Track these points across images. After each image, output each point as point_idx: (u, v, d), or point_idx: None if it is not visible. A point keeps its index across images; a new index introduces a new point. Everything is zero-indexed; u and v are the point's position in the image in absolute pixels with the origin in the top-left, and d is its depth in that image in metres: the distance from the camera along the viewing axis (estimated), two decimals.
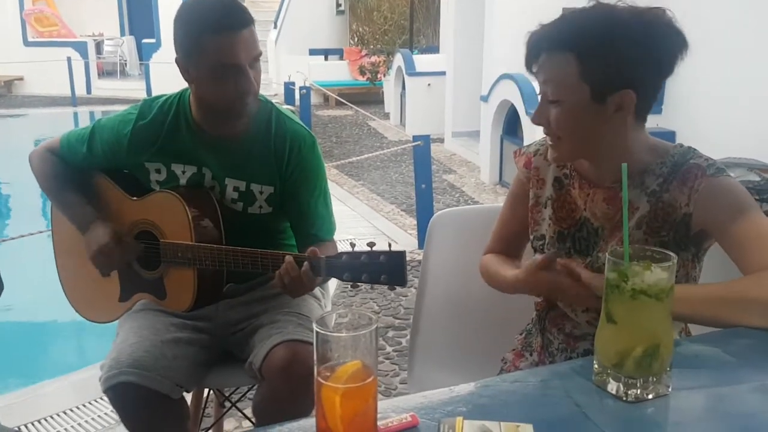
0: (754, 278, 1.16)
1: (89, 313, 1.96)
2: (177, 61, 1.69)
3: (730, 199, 1.24)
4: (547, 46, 1.27)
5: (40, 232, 3.90)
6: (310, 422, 0.84)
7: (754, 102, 4.66)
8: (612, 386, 0.96)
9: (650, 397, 0.95)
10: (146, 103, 1.82)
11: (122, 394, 1.61)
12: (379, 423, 0.83)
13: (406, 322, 3.50)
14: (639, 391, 0.94)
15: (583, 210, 1.39)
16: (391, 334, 3.49)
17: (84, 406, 2.76)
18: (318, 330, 0.74)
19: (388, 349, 3.33)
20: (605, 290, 0.97)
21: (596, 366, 0.99)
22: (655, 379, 0.95)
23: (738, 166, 4.56)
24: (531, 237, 1.49)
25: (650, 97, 1.28)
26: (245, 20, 1.61)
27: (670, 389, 0.96)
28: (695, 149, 1.33)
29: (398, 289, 4.32)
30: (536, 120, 1.32)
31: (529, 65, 1.32)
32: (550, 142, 1.35)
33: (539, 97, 1.32)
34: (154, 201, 1.78)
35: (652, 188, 1.30)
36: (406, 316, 3.60)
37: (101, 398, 2.76)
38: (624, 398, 0.95)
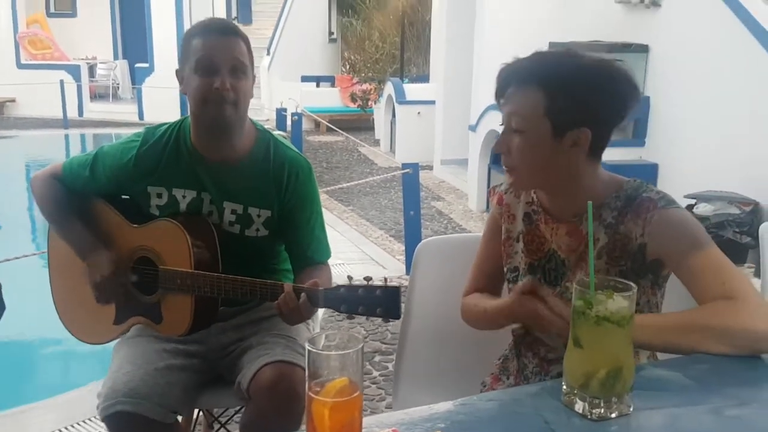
0: (710, 308, 1.25)
1: (82, 335, 2.00)
2: (176, 72, 1.81)
3: (682, 232, 1.34)
4: (517, 79, 1.39)
5: (33, 254, 3.96)
6: None
7: (734, 137, 4.78)
8: (579, 405, 1.05)
9: (613, 415, 1.03)
10: (149, 131, 1.89)
11: (119, 422, 1.67)
12: None
13: (393, 347, 3.56)
14: (603, 410, 1.03)
15: (551, 243, 1.48)
16: (377, 358, 3.54)
17: (72, 426, 2.80)
18: (310, 349, 0.82)
19: (375, 373, 3.38)
20: (572, 317, 1.06)
21: (565, 387, 1.08)
22: (617, 399, 1.03)
23: (719, 199, 4.67)
24: (505, 269, 1.58)
25: (604, 138, 1.40)
26: (235, 31, 1.77)
27: (631, 409, 1.05)
28: (647, 183, 1.43)
29: None
30: (497, 148, 1.43)
31: (498, 96, 1.43)
32: (506, 170, 1.45)
33: (502, 127, 1.43)
34: (155, 228, 1.83)
35: (608, 221, 1.39)
36: (392, 341, 3.66)
37: (89, 419, 2.80)
38: (589, 416, 1.03)
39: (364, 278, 1.54)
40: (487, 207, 6.64)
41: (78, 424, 2.81)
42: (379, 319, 3.98)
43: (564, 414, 1.04)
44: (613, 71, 1.37)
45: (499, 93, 1.43)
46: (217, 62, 1.71)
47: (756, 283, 2.03)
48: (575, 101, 1.34)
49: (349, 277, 1.56)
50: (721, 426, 1.03)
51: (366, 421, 0.94)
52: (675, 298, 1.44)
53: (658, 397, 1.09)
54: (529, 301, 1.37)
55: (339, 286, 1.57)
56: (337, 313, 1.55)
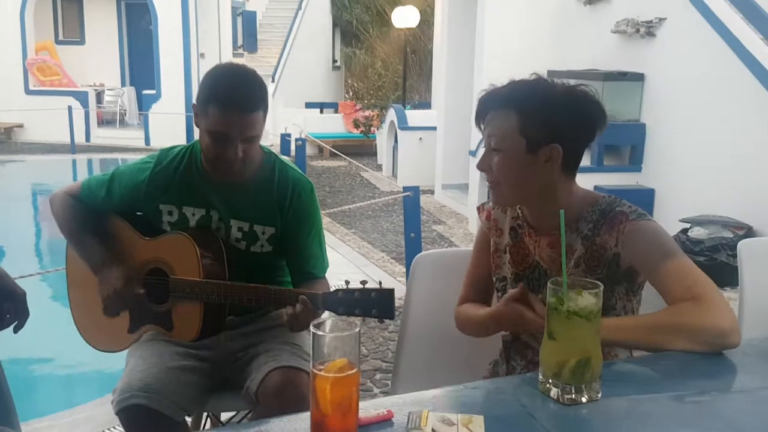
0: (677, 308, 1.38)
1: (98, 343, 2.11)
2: (194, 105, 1.90)
3: (652, 242, 1.47)
4: (494, 104, 1.55)
5: (47, 271, 4.08)
6: (305, 414, 1.05)
7: (728, 164, 4.90)
8: (553, 392, 1.17)
9: (584, 400, 1.16)
10: (163, 152, 2.02)
11: (134, 415, 1.77)
12: (360, 415, 1.03)
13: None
14: (574, 396, 1.15)
15: (534, 255, 1.62)
16: (378, 376, 3.63)
17: None
18: (314, 332, 0.95)
19: (375, 390, 3.46)
20: (547, 312, 1.19)
21: (540, 376, 1.21)
22: (587, 386, 1.16)
23: (713, 223, 4.79)
24: (494, 278, 1.72)
25: (576, 155, 1.55)
26: (252, 106, 1.80)
27: (600, 395, 1.17)
28: (621, 199, 1.57)
29: (386, 333, 4.47)
30: (480, 166, 1.58)
31: (477, 121, 1.58)
32: (490, 187, 1.59)
33: (483, 149, 1.58)
34: (166, 241, 1.95)
35: (585, 232, 1.53)
36: (392, 360, 3.75)
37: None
38: (562, 401, 1.16)
39: (360, 282, 1.66)
40: None
41: None
42: (381, 338, 4.10)
43: (540, 399, 1.17)
44: (580, 95, 1.52)
45: (479, 117, 1.59)
46: (233, 136, 1.80)
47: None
48: (546, 121, 1.49)
49: (347, 282, 1.67)
50: (681, 410, 1.15)
51: (362, 404, 1.06)
52: (650, 307, 1.56)
53: (625, 387, 1.22)
54: (518, 306, 1.49)
55: (337, 290, 1.69)
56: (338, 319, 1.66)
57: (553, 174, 1.53)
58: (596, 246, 1.51)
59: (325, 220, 6.94)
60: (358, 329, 0.96)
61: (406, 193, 4.76)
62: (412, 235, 4.74)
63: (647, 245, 1.46)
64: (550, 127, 1.49)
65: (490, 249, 1.72)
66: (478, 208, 1.80)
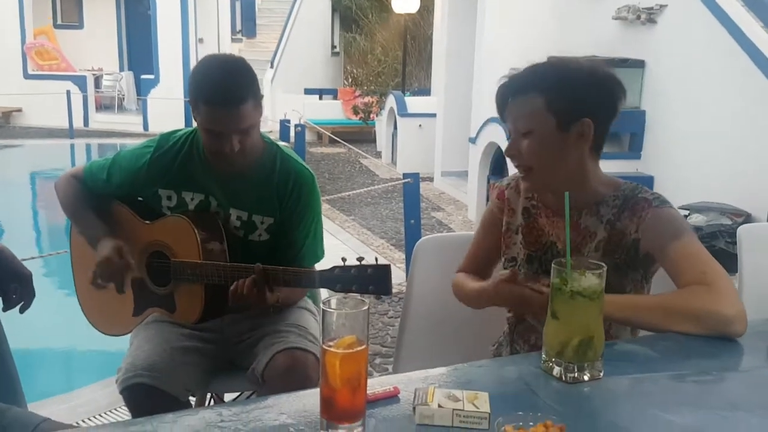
0: (686, 291, 1.39)
1: (104, 326, 2.13)
2: (188, 101, 1.91)
3: (669, 226, 1.48)
4: (515, 91, 1.53)
5: (49, 254, 4.10)
6: (314, 390, 1.07)
7: (727, 151, 4.91)
8: (556, 371, 1.20)
9: (586, 378, 1.18)
10: (163, 137, 2.02)
11: (137, 394, 1.79)
12: (368, 392, 1.05)
13: (393, 350, 3.68)
14: (577, 374, 1.18)
15: (550, 236, 1.62)
16: (378, 361, 3.67)
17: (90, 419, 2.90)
18: (324, 309, 0.97)
19: (376, 375, 3.49)
20: (551, 293, 1.20)
21: (543, 355, 1.23)
22: (589, 365, 1.18)
23: (711, 210, 4.81)
24: (503, 258, 1.72)
25: (603, 132, 1.53)
26: (239, 99, 1.77)
27: (602, 374, 1.20)
28: (642, 186, 1.57)
29: (386, 318, 4.48)
30: (509, 152, 1.55)
31: (500, 112, 1.57)
32: (521, 174, 1.58)
33: (511, 135, 1.56)
34: (166, 224, 1.97)
35: (607, 217, 1.53)
36: (392, 345, 3.77)
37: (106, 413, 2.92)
38: (564, 380, 1.18)
39: (357, 259, 1.65)
40: None
41: (98, 416, 2.92)
42: (380, 323, 4.12)
43: (543, 378, 1.19)
44: (599, 70, 1.52)
45: (501, 107, 1.56)
46: (225, 131, 1.79)
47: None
48: (573, 96, 1.48)
49: (343, 259, 1.66)
50: (681, 389, 1.17)
51: (370, 382, 1.08)
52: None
53: (627, 366, 1.24)
54: (510, 287, 1.49)
55: (334, 267, 1.68)
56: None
57: (584, 153, 1.52)
58: (616, 231, 1.52)
59: (325, 207, 6.94)
60: (366, 307, 0.97)
61: (406, 180, 4.78)
62: (412, 221, 4.76)
63: (664, 231, 1.47)
64: (578, 101, 1.48)
65: (501, 228, 1.72)
66: (491, 186, 1.80)
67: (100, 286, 1.94)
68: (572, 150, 1.50)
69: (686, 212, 4.87)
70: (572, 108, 1.48)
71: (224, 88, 1.78)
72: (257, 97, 1.83)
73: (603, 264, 1.18)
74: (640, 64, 5.74)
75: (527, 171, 1.55)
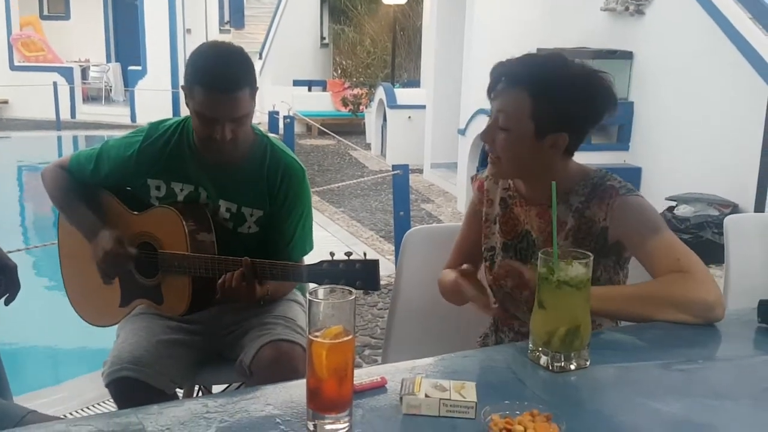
0: (665, 279, 1.40)
1: (91, 317, 2.12)
2: (182, 87, 1.88)
3: (639, 217, 1.49)
4: (508, 79, 1.52)
5: (35, 246, 4.07)
6: (300, 381, 1.06)
7: (715, 142, 4.94)
8: (543, 360, 1.20)
9: (572, 368, 1.19)
10: (153, 126, 2.00)
11: (123, 387, 1.78)
12: (355, 382, 1.05)
13: (382, 341, 3.69)
14: (563, 363, 1.18)
15: (525, 224, 1.63)
16: (367, 352, 3.67)
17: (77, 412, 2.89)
18: (311, 299, 0.97)
19: (365, 366, 3.50)
20: (537, 282, 1.20)
21: (531, 345, 1.23)
22: (576, 354, 1.18)
23: (699, 201, 4.84)
24: (483, 248, 1.73)
25: (579, 140, 1.55)
26: (237, 85, 1.77)
27: (588, 363, 1.20)
28: (612, 173, 1.58)
29: (375, 310, 4.48)
30: (484, 137, 1.57)
31: (489, 92, 1.57)
32: (490, 160, 1.59)
33: (491, 119, 1.56)
34: (154, 215, 1.95)
35: (576, 206, 1.55)
36: (381, 336, 3.78)
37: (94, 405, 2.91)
38: (551, 369, 1.18)
39: (345, 254, 1.65)
40: None
41: (84, 409, 2.90)
42: (369, 315, 4.12)
43: (530, 367, 1.19)
44: (596, 82, 1.50)
45: (491, 88, 1.56)
46: (220, 117, 1.78)
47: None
48: (557, 108, 1.48)
49: (331, 254, 1.66)
50: (668, 377, 1.18)
51: (357, 372, 1.08)
52: (636, 281, 1.58)
53: (613, 355, 1.24)
54: (513, 263, 1.54)
55: (322, 262, 1.67)
56: None
57: (554, 157, 1.54)
58: (585, 219, 1.53)
59: (314, 199, 6.93)
60: (353, 297, 0.97)
61: (396, 172, 4.77)
62: (401, 213, 4.76)
63: (635, 221, 1.48)
64: (561, 115, 1.49)
65: (481, 219, 1.74)
66: (472, 178, 1.82)
67: (110, 281, 1.96)
68: (543, 155, 1.52)
69: (674, 203, 4.90)
70: (554, 120, 1.49)
71: (223, 74, 1.77)
72: (253, 88, 1.83)
73: (589, 253, 1.18)
74: (628, 56, 5.75)
75: (495, 160, 1.58)
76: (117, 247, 1.89)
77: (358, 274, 1.62)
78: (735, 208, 4.69)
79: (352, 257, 1.64)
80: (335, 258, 1.66)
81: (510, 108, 1.51)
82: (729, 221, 2.09)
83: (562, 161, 1.56)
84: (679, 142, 5.26)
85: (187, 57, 1.88)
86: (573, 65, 1.53)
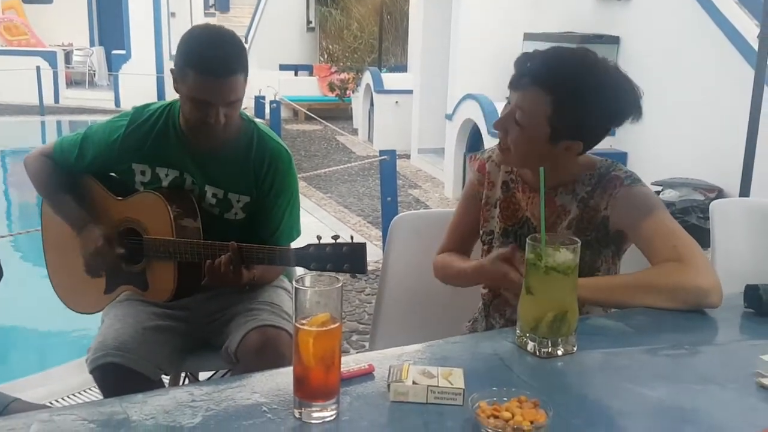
0: (661, 267, 1.40)
1: (75, 305, 2.10)
2: (172, 70, 1.86)
3: (640, 203, 1.48)
4: (532, 75, 1.47)
5: (19, 233, 4.02)
6: (287, 369, 1.06)
7: (700, 127, 4.96)
8: (530, 346, 1.20)
9: (560, 353, 1.19)
10: (137, 110, 1.97)
11: (107, 373, 1.76)
12: (342, 370, 1.05)
13: (369, 327, 3.69)
14: (551, 349, 1.18)
15: (526, 211, 1.62)
16: (355, 338, 3.67)
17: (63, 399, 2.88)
18: (297, 287, 0.96)
19: (352, 352, 3.50)
20: (525, 268, 1.20)
21: (518, 331, 1.23)
22: (563, 340, 1.18)
23: (684, 186, 4.86)
24: (481, 232, 1.71)
25: (594, 144, 1.52)
26: (231, 70, 1.76)
27: (575, 348, 1.20)
28: (618, 163, 1.57)
29: (363, 296, 4.48)
30: (498, 126, 1.54)
31: (512, 83, 1.51)
32: (499, 148, 1.57)
33: (506, 108, 1.52)
34: (138, 200, 1.93)
35: (581, 195, 1.53)
36: (369, 322, 3.77)
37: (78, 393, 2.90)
38: (538, 354, 1.18)
39: (332, 237, 1.64)
40: None
41: (69, 396, 2.90)
42: (357, 300, 4.12)
43: (517, 353, 1.19)
44: (622, 94, 1.46)
45: (514, 80, 1.50)
46: (214, 101, 1.76)
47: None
48: (578, 118, 1.44)
49: (318, 237, 1.64)
50: (655, 363, 1.18)
51: (344, 359, 1.08)
52: (629, 269, 1.59)
53: (600, 341, 1.25)
54: (501, 265, 1.47)
55: (309, 245, 1.66)
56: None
57: (565, 159, 1.52)
58: (589, 208, 1.52)
59: (301, 185, 6.88)
60: (340, 284, 0.96)
61: (383, 157, 4.76)
62: (389, 199, 4.75)
63: (635, 207, 1.47)
64: (580, 125, 1.45)
65: (480, 201, 1.71)
66: (470, 157, 1.78)
67: (97, 275, 1.95)
68: (554, 156, 1.50)
69: (659, 188, 4.92)
70: (572, 129, 1.46)
71: (218, 58, 1.75)
72: (246, 73, 1.82)
73: (577, 239, 1.18)
74: (614, 41, 5.75)
75: (505, 149, 1.55)
76: (105, 246, 1.88)
77: (345, 258, 1.61)
78: (720, 193, 4.71)
79: (338, 240, 1.63)
80: (322, 242, 1.65)
81: (529, 107, 1.47)
82: (715, 206, 2.09)
83: (572, 158, 1.54)
84: (665, 127, 5.28)
85: (175, 41, 1.86)
86: (601, 65, 1.46)
